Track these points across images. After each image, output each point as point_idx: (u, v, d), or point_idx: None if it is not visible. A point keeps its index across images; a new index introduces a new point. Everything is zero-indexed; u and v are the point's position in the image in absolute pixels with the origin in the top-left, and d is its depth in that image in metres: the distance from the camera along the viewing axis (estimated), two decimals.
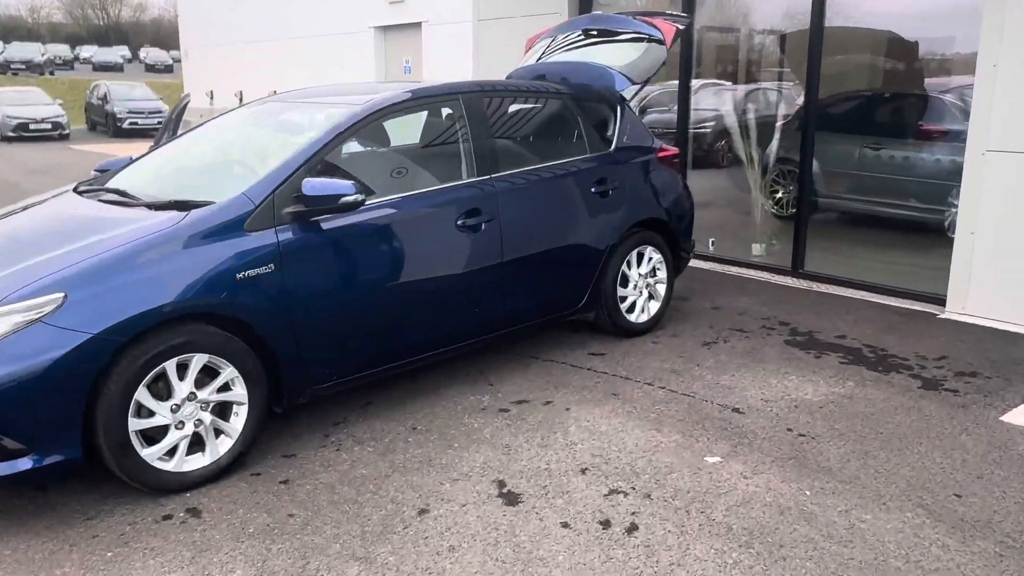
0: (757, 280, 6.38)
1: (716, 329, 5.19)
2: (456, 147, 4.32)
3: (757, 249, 7.04)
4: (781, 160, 7.51)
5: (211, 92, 16.67)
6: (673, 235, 5.15)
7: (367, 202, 3.78)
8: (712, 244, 7.14)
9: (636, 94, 5.35)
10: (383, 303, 3.81)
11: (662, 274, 5.12)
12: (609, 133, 4.99)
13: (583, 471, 3.44)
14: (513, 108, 4.69)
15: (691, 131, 7.45)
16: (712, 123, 8.51)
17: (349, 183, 3.57)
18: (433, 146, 4.65)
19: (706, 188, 8.39)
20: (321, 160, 3.71)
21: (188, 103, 5.65)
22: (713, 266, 6.83)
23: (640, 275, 5.00)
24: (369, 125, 3.96)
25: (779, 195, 7.59)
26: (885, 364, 4.61)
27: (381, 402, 4.21)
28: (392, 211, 3.85)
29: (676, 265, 5.25)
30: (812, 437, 3.75)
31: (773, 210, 7.71)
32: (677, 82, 7.22)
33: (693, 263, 6.92)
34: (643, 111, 9.19)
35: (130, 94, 21.68)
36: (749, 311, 5.55)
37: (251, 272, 3.36)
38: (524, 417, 3.96)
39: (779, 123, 7.49)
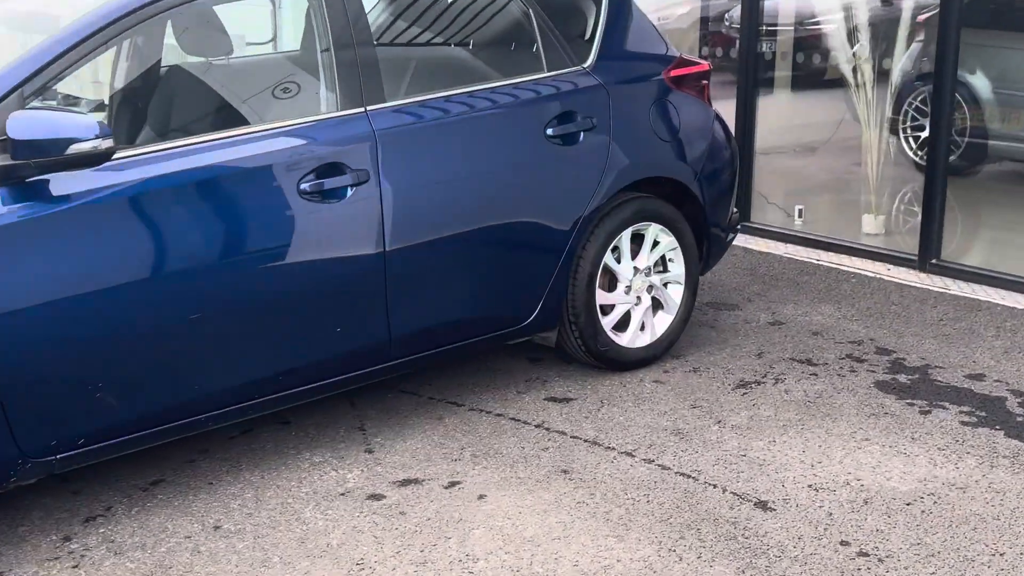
0: (861, 275, 6.09)
1: (767, 360, 4.85)
2: (311, 60, 4.03)
3: (870, 224, 6.79)
4: (925, 77, 7.12)
5: None
6: (698, 204, 4.81)
7: (131, 153, 3.49)
8: (799, 215, 6.95)
9: None
10: (165, 321, 3.51)
11: (677, 268, 4.79)
12: (586, 36, 4.65)
13: None
14: None
15: (764, 30, 7.23)
16: (810, 16, 8.03)
17: (89, 121, 3.28)
18: (271, 60, 4.44)
19: (794, 124, 8.12)
20: (55, 81, 3.41)
21: None
22: (796, 251, 6.56)
23: (637, 270, 4.67)
24: (153, 20, 3.66)
25: (925, 134, 7.14)
26: None
27: (180, 479, 3.90)
28: (181, 167, 3.54)
29: (704, 253, 4.95)
30: (880, 558, 3.36)
31: (917, 157, 7.41)
32: None
33: (764, 245, 6.66)
34: None
35: None
36: (831, 329, 5.23)
37: None
38: (406, 509, 3.65)
39: (917, 15, 7.12)
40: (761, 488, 3.77)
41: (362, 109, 3.91)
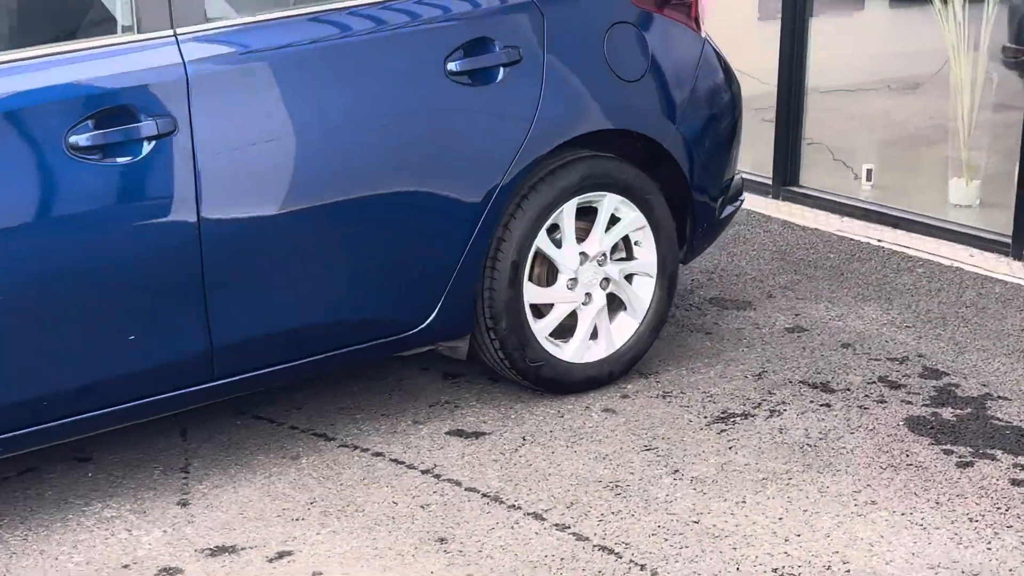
0: (931, 263, 5.82)
1: (768, 382, 4.57)
2: None
3: (959, 192, 6.61)
4: None
5: None
6: (678, 169, 4.56)
7: None
8: (868, 177, 6.82)
9: None
10: None
11: (646, 254, 4.54)
12: None
13: None
14: None
15: None
16: None
17: None
18: None
19: (868, 54, 7.87)
20: None
21: None
22: (852, 227, 6.35)
23: (587, 257, 4.40)
24: None
25: None
26: None
27: None
28: None
29: (688, 233, 4.75)
30: None
31: None
32: None
33: (811, 218, 6.48)
34: None
35: None
36: (868, 339, 4.95)
37: None
38: None
39: None
40: (706, 572, 3.40)
41: (170, 32, 3.64)
